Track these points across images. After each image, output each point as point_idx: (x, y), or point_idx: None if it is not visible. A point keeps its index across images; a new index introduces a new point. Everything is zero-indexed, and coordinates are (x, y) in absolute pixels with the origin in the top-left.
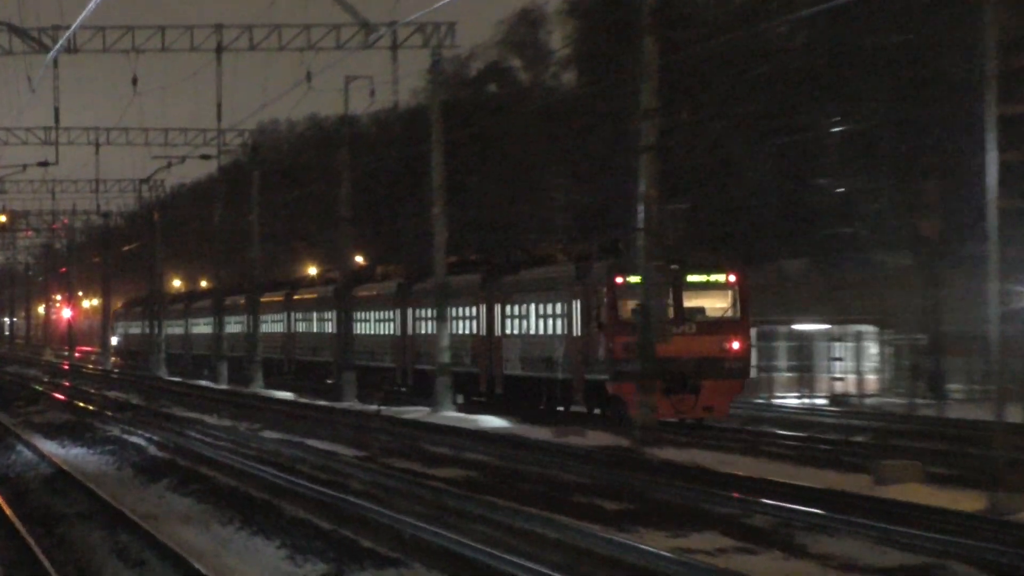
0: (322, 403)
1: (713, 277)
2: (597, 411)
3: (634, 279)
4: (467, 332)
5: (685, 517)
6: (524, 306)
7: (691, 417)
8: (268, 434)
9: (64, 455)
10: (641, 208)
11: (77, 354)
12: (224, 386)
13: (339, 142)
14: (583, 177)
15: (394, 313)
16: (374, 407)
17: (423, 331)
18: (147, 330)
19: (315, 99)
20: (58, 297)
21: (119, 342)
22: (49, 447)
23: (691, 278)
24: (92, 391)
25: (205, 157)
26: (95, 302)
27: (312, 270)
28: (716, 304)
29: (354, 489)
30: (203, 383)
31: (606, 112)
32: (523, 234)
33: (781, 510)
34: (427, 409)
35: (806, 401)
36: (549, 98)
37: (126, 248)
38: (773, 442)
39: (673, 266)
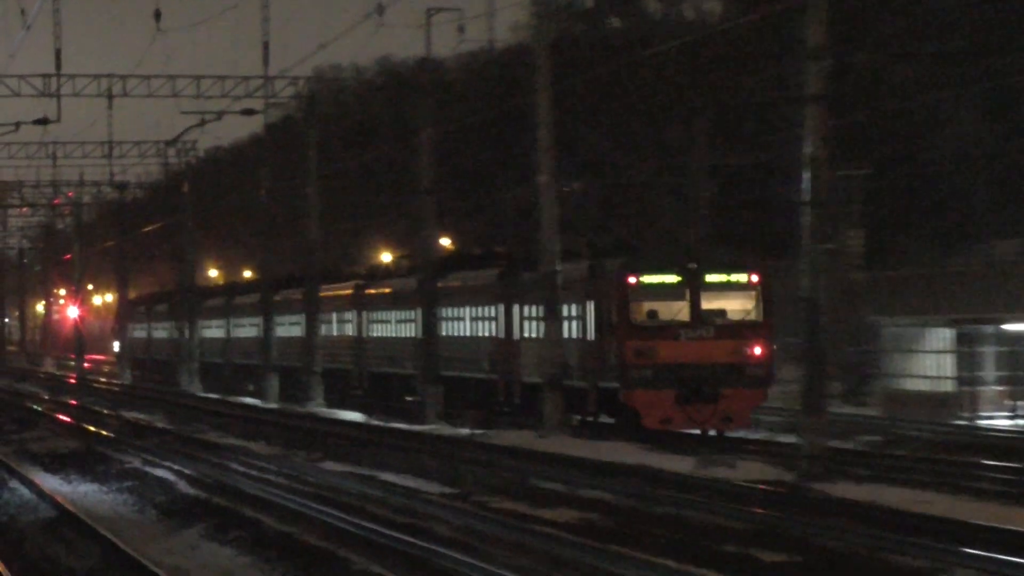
0: (400, 426)
1: (734, 277)
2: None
3: (649, 279)
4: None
5: (864, 571)
6: (539, 307)
7: (709, 428)
8: (330, 466)
9: (70, 493)
10: (806, 175)
11: (86, 364)
12: (274, 405)
13: (419, 91)
14: (731, 134)
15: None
16: (465, 431)
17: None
18: (175, 333)
19: (388, 38)
20: (62, 292)
21: (123, 348)
22: (51, 483)
23: (710, 278)
24: (106, 411)
25: (248, 112)
26: (109, 298)
27: (386, 256)
28: (737, 306)
29: (440, 536)
30: (247, 401)
31: (761, 52)
32: (654, 207)
33: (990, 563)
34: (533, 433)
35: (1021, 422)
36: (687, 34)
37: (147, 228)
38: (979, 475)
39: (690, 265)
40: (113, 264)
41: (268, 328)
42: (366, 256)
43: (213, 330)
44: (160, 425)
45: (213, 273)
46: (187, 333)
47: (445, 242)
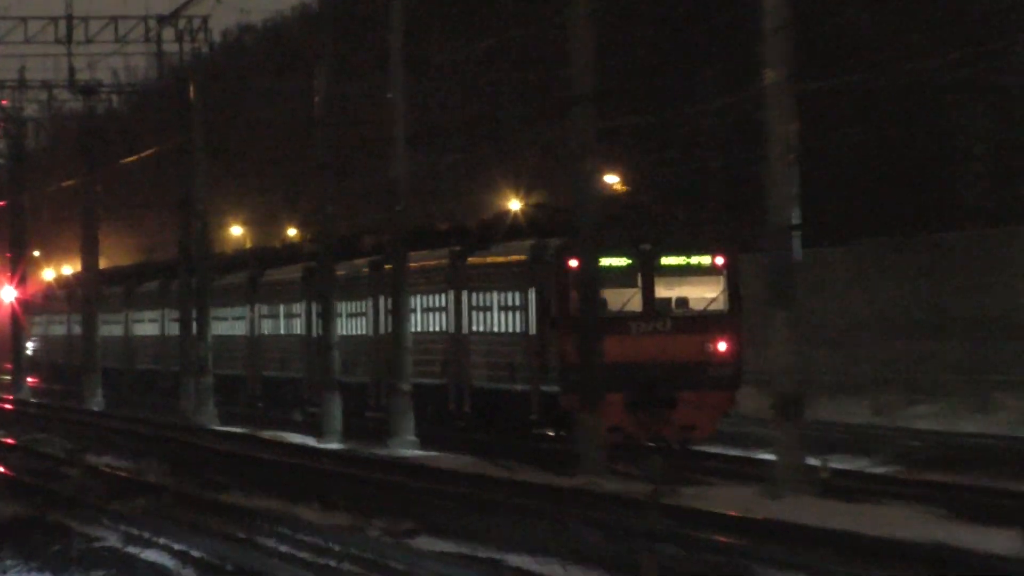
0: (534, 480)
1: (695, 259)
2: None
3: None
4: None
5: None
6: (487, 295)
7: (667, 438)
8: (426, 543)
9: None
10: None
11: (31, 379)
12: (335, 445)
13: None
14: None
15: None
16: (648, 485)
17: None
18: (165, 328)
19: None
20: None
21: (39, 348)
22: None
23: (666, 261)
24: (63, 455)
25: None
26: (70, 269)
27: (513, 205)
28: (698, 294)
29: None
30: (291, 438)
31: None
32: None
33: None
34: (758, 490)
35: None
36: None
37: (130, 159)
38: None
39: (643, 245)
40: (78, 217)
41: (328, 329)
42: (483, 204)
43: (227, 323)
44: (151, 478)
45: (237, 231)
46: (189, 328)
47: (612, 180)
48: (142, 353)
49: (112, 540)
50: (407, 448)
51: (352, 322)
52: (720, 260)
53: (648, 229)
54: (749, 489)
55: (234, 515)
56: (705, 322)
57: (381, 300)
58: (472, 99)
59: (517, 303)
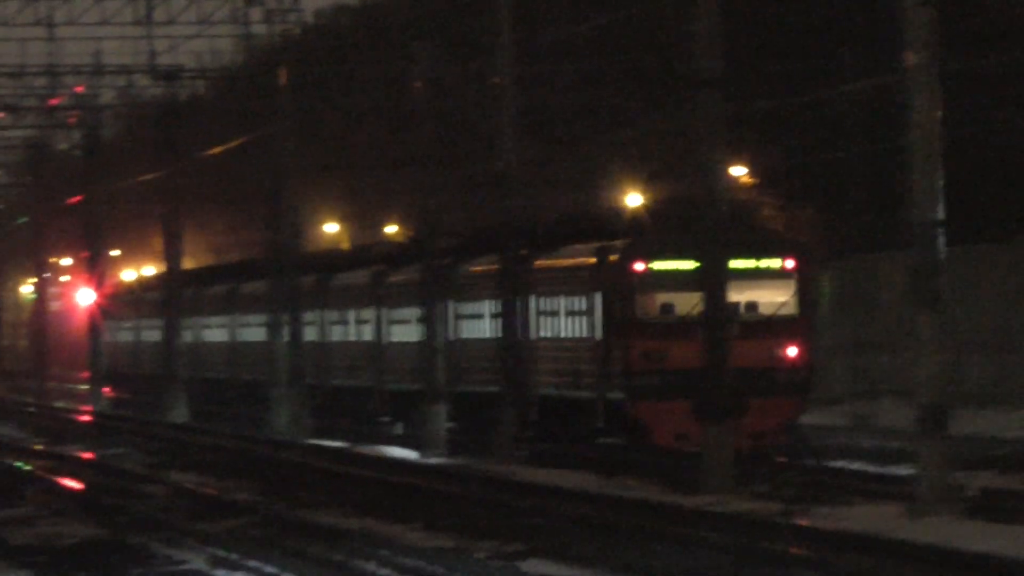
0: (653, 499)
1: (764, 263)
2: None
3: (661, 265)
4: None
5: None
6: (554, 300)
7: (736, 447)
8: (537, 567)
9: None
10: None
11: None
12: (439, 460)
13: None
14: None
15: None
16: (780, 504)
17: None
18: (232, 333)
19: None
20: (66, 263)
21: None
22: None
23: (736, 264)
24: (143, 472)
25: None
26: (153, 269)
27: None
28: (768, 299)
29: None
30: (391, 452)
31: None
32: None
33: None
34: (902, 508)
35: None
36: None
37: (215, 150)
38: None
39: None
40: (159, 213)
41: (433, 334)
42: (601, 197)
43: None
44: (240, 497)
45: (332, 228)
46: (285, 332)
47: (739, 171)
48: (244, 361)
49: (197, 563)
50: (515, 463)
51: (405, 329)
52: (791, 263)
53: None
54: (889, 508)
55: (329, 536)
56: (775, 327)
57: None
58: (587, 84)
59: (584, 308)
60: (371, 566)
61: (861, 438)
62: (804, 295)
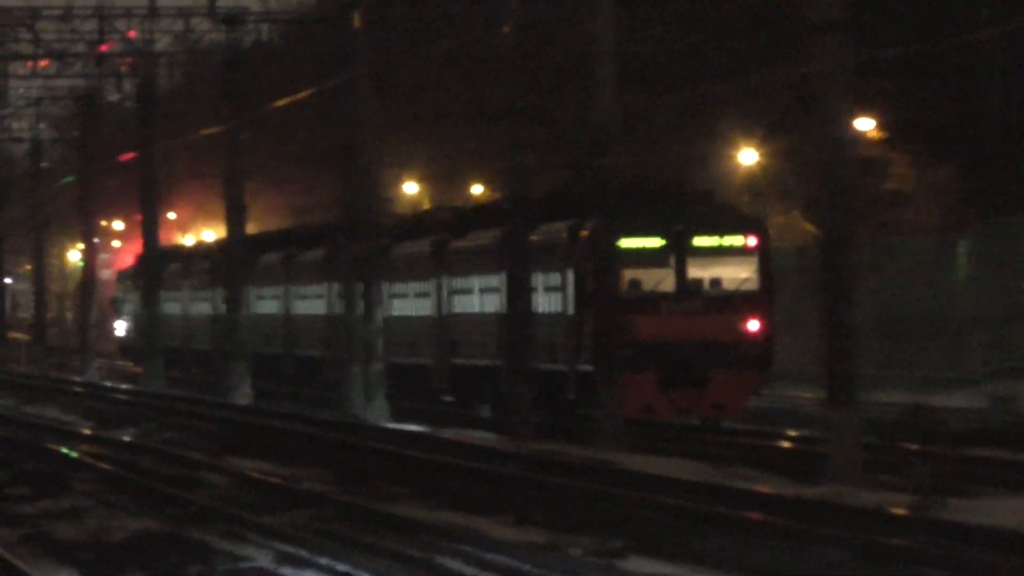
0: (766, 490)
1: (727, 240)
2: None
3: (628, 243)
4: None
5: None
6: (533, 276)
7: (698, 417)
8: (639, 565)
9: None
10: None
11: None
12: (530, 444)
13: None
14: None
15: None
16: (911, 496)
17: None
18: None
19: None
20: (118, 227)
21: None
22: None
23: (698, 241)
24: (202, 458)
25: None
26: (212, 235)
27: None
28: (730, 274)
29: None
30: (476, 437)
31: None
32: None
33: None
34: None
35: None
36: None
37: (282, 101)
38: None
39: (677, 226)
40: (219, 172)
41: (517, 306)
42: (711, 154)
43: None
44: (309, 486)
45: (411, 188)
46: (359, 307)
47: (867, 125)
48: (304, 336)
49: (262, 560)
50: (611, 451)
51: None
52: (753, 241)
53: (681, 210)
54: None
55: (408, 530)
56: (737, 302)
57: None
58: (695, 28)
59: (558, 283)
60: (455, 563)
61: (1001, 422)
62: (765, 271)
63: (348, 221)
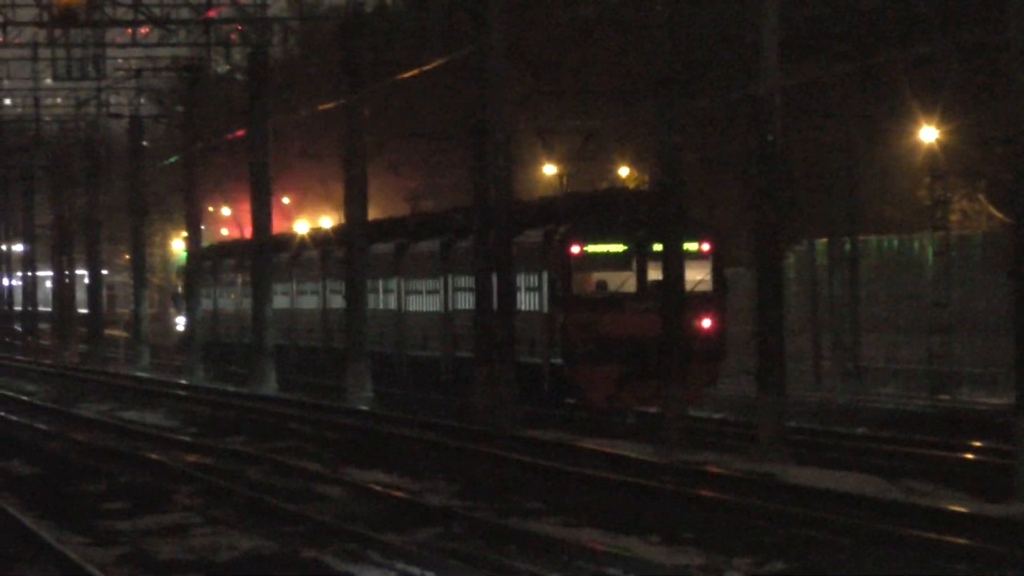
0: (945, 507)
1: (684, 245)
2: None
3: (595, 248)
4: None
5: None
6: (518, 277)
7: (656, 406)
8: None
9: None
10: None
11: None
12: (679, 457)
13: None
14: None
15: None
16: None
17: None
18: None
19: None
20: (225, 212)
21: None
22: None
23: (658, 246)
24: (318, 470)
25: None
26: (330, 221)
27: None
28: (687, 276)
29: None
30: (619, 448)
31: None
32: None
33: None
34: None
35: None
36: None
37: (407, 73)
38: None
39: (639, 232)
40: (338, 151)
41: (672, 294)
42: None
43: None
44: (436, 501)
45: (551, 170)
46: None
47: None
48: (418, 334)
49: None
50: (777, 462)
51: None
52: (707, 246)
53: (643, 217)
54: None
55: (545, 550)
56: (692, 302)
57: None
58: None
59: (536, 284)
60: None
61: None
62: (718, 273)
63: (480, 208)
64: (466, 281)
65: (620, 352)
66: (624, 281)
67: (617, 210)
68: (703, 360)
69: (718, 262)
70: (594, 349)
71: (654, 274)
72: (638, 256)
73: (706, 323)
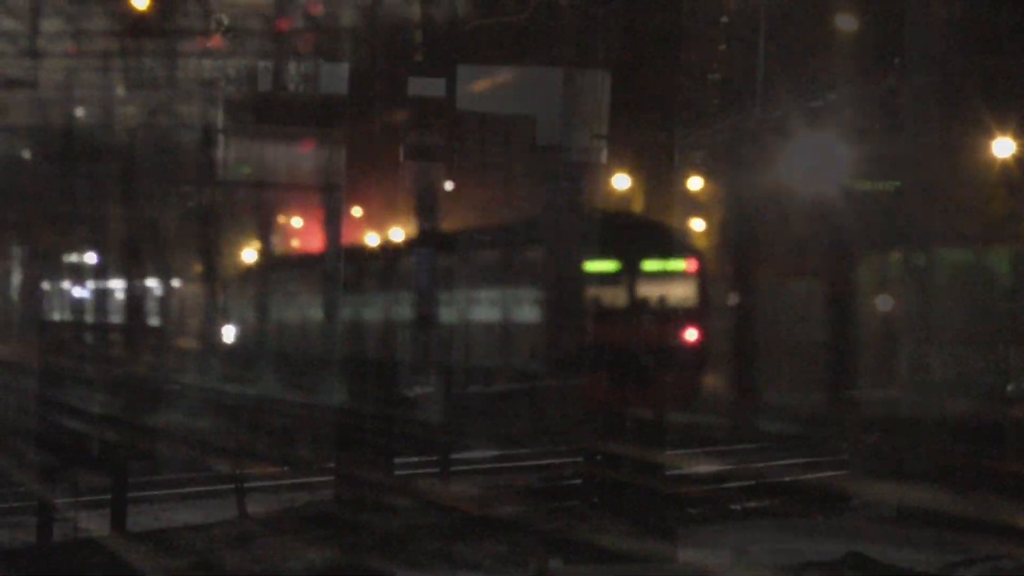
0: None
1: (671, 265)
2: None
3: (593, 265)
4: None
5: None
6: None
7: (643, 411)
8: None
9: None
10: None
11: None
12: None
13: None
14: None
15: None
16: None
17: None
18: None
19: None
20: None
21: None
22: None
23: (648, 266)
24: (391, 479)
25: None
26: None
27: None
28: (672, 293)
29: None
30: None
31: None
32: None
33: None
34: None
35: None
36: None
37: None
38: None
39: (630, 253)
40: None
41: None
42: None
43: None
44: (505, 510)
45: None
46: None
47: None
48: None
49: None
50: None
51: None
52: (692, 266)
53: (635, 238)
54: None
55: (612, 561)
56: (677, 316)
57: None
58: None
59: (535, 297)
60: None
61: None
62: (702, 290)
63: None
64: None
65: (611, 361)
66: (617, 297)
67: (612, 231)
68: (686, 369)
69: (703, 280)
70: (590, 358)
71: (643, 291)
72: (629, 274)
73: (690, 336)
